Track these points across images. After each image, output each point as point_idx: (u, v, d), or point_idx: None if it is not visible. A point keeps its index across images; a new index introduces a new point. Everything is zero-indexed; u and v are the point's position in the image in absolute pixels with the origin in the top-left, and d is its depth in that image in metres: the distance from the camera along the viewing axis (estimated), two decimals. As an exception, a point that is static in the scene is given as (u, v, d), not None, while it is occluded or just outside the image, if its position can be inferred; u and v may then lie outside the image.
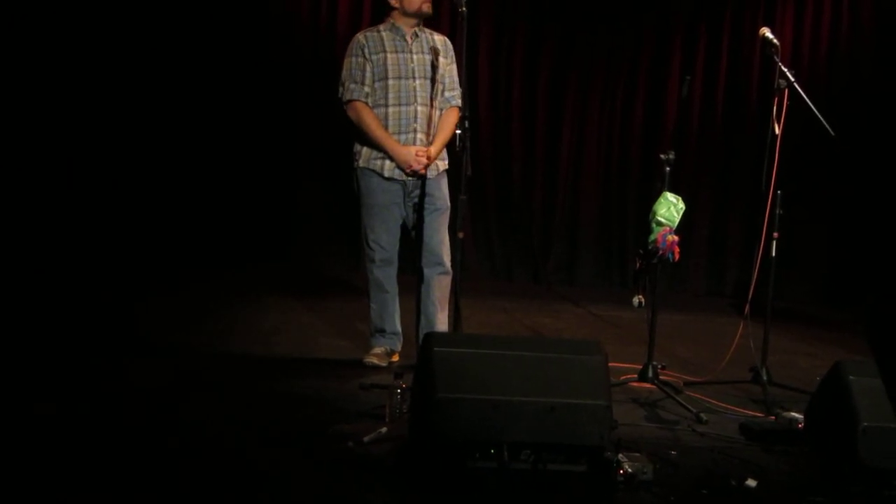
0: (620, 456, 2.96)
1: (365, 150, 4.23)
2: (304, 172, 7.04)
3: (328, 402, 3.66)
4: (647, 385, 4.04)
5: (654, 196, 4.08)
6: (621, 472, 2.91)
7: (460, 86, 4.22)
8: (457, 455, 2.89)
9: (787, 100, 4.09)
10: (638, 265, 4.08)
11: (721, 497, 2.92)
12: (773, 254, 4.23)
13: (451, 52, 4.33)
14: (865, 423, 3.00)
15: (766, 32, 4.25)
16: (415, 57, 4.21)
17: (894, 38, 7.03)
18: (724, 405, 3.94)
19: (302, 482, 2.81)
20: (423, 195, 4.18)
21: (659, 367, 4.11)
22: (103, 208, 6.44)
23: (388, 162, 4.19)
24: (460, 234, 3.94)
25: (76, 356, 4.02)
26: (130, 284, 5.83)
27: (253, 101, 6.83)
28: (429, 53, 4.23)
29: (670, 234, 3.93)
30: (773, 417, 3.74)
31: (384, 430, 3.19)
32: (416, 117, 4.19)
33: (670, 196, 4.00)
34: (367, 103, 4.18)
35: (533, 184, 7.32)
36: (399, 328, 4.33)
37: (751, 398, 4.06)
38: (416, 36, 4.25)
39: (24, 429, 3.07)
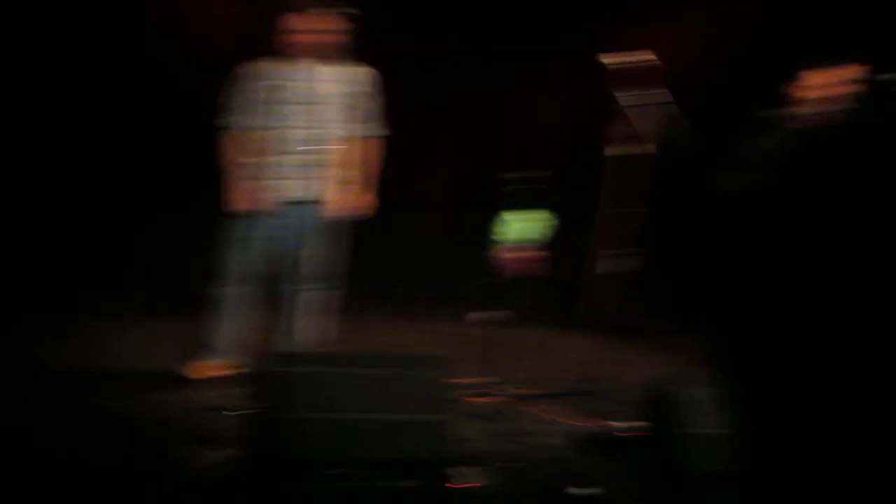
0: (460, 470, 2.99)
1: (258, 170, 4.23)
2: (153, 190, 6.67)
3: (163, 425, 3.51)
4: (488, 399, 4.10)
5: (497, 213, 4.17)
6: (459, 486, 2.94)
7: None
8: (295, 476, 2.84)
9: (624, 122, 4.27)
10: (480, 281, 4.16)
11: (556, 507, 3.00)
12: (606, 269, 4.39)
13: (369, 82, 4.37)
14: (689, 430, 3.15)
15: (606, 58, 4.43)
16: (314, 85, 4.22)
17: (726, 60, 7.49)
18: (560, 416, 4.05)
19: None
20: (306, 216, 4.24)
21: (499, 381, 4.19)
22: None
23: (274, 182, 4.22)
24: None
25: None
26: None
27: (116, 109, 6.46)
28: (332, 81, 4.27)
29: (511, 250, 4.02)
30: (605, 427, 3.88)
31: (228, 452, 3.09)
32: (306, 140, 4.21)
33: (511, 214, 4.10)
34: (243, 132, 4.22)
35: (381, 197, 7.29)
36: (239, 344, 4.32)
37: (585, 409, 4.19)
38: (326, 65, 4.27)
39: None
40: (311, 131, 4.21)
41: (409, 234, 7.44)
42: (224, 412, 3.43)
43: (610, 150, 4.28)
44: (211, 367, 4.28)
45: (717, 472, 3.13)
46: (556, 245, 4.16)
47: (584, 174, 7.39)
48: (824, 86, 4.70)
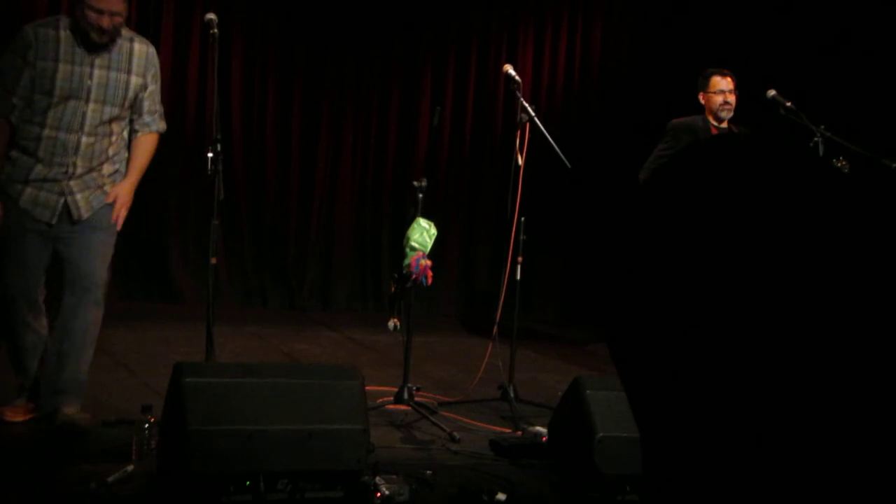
0: (377, 479, 2.99)
1: (7, 166, 3.43)
2: None
3: (67, 440, 3.39)
4: (403, 407, 4.11)
5: (408, 222, 4.18)
6: (378, 495, 2.94)
7: (216, 110, 3.74)
8: (210, 490, 2.79)
9: (529, 133, 4.35)
10: (393, 289, 4.16)
11: (473, 513, 3.03)
12: (518, 277, 4.47)
13: (155, 67, 3.60)
14: (601, 434, 3.23)
15: (509, 69, 4.50)
16: (95, 72, 3.44)
17: (617, 76, 7.73)
18: (475, 423, 4.09)
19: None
20: (86, 223, 3.52)
21: (414, 388, 4.21)
22: None
23: (28, 190, 3.42)
24: (213, 260, 3.83)
25: None
26: None
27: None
28: (117, 70, 3.49)
29: (423, 258, 4.04)
30: (519, 432, 3.93)
31: (130, 468, 3.01)
32: (77, 148, 3.44)
33: (423, 222, 4.12)
34: (8, 120, 3.39)
35: (287, 208, 7.26)
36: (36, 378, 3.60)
37: (500, 415, 4.25)
38: (107, 48, 3.44)
39: None
40: (74, 136, 3.43)
41: (322, 241, 7.40)
42: (129, 425, 3.34)
43: (520, 159, 4.34)
44: (22, 408, 3.57)
45: (630, 476, 3.22)
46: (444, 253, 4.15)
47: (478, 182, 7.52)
48: (726, 91, 4.91)
